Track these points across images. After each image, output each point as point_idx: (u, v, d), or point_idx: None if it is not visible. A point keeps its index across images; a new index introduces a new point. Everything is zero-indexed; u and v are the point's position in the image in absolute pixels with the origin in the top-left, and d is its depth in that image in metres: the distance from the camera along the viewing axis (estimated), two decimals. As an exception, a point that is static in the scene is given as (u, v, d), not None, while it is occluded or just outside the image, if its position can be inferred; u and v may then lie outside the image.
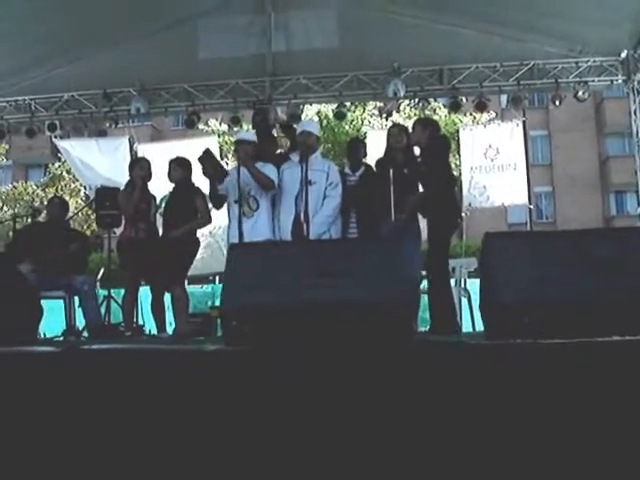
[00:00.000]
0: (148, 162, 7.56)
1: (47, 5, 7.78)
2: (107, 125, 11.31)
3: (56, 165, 25.54)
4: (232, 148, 15.57)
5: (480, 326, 4.43)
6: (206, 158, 6.71)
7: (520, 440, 2.64)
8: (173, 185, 7.17)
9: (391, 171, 6.15)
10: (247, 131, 8.68)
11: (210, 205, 7.15)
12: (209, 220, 7.17)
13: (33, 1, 7.71)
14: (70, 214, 9.07)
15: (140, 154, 11.83)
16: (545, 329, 3.01)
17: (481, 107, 10.24)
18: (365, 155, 7.21)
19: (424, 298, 6.22)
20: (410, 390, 2.75)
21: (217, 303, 10.66)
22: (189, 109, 10.43)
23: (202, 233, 7.92)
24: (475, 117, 18.78)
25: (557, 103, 9.77)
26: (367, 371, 2.77)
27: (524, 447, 2.63)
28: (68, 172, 22.92)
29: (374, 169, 6.75)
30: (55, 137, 11.56)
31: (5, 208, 24.00)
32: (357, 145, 7.44)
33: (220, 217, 7.46)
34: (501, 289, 3.22)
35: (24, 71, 9.58)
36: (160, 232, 7.35)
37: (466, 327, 8.10)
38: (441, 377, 2.76)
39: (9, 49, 8.64)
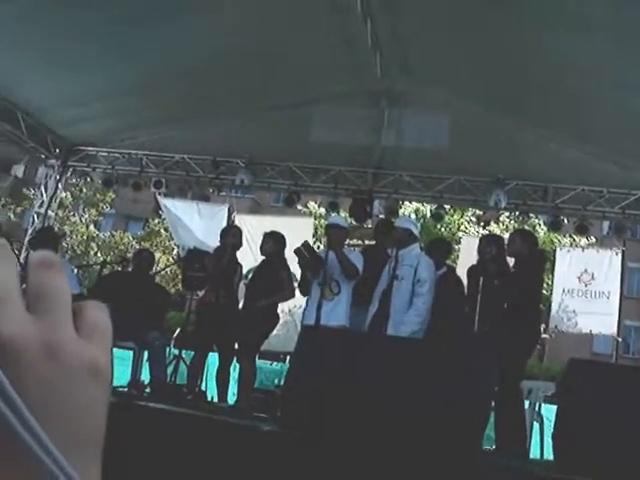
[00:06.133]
0: (240, 230, 7.69)
1: (165, 75, 8.21)
2: (210, 191, 11.61)
3: (155, 221, 26.38)
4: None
5: (549, 454, 4.18)
6: (303, 250, 6.79)
7: None
8: (263, 257, 7.26)
9: (481, 280, 6.03)
10: (342, 217, 8.77)
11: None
12: (293, 294, 7.21)
13: (152, 70, 8.14)
14: (158, 269, 9.25)
15: (237, 223, 12.07)
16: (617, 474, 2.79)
17: (582, 230, 9.99)
18: (448, 256, 7.16)
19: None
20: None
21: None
22: (291, 188, 10.61)
23: (282, 310, 7.95)
24: (574, 239, 18.41)
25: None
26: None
27: None
28: (165, 230, 23.62)
29: (455, 271, 6.68)
30: (159, 194, 11.96)
31: (99, 254, 24.81)
32: (440, 245, 7.42)
33: (301, 297, 7.48)
34: (580, 424, 3.03)
35: (140, 128, 10.03)
36: (241, 301, 7.40)
37: (533, 453, 7.70)
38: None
39: (129, 106, 9.08)
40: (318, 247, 15.87)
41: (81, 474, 0.40)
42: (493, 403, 6.06)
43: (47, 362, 0.41)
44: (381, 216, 12.47)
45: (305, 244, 6.89)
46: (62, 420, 0.41)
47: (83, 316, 0.45)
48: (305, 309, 6.79)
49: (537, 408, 8.15)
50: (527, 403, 7.90)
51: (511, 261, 6.28)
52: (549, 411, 7.44)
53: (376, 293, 6.49)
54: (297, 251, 6.77)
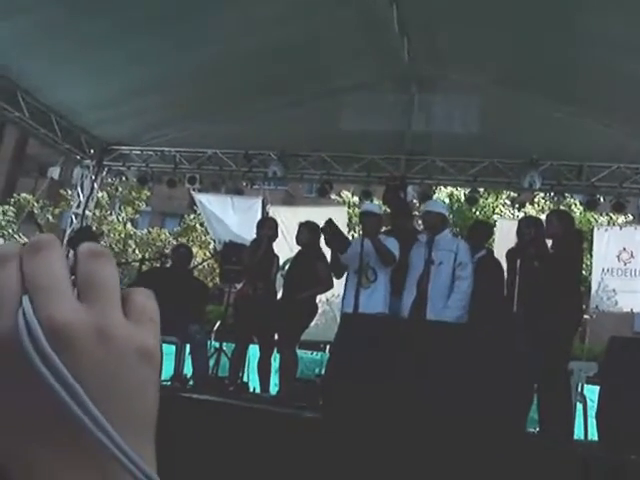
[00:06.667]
0: (276, 222, 7.72)
1: (193, 71, 8.26)
2: (244, 184, 11.65)
3: (191, 217, 26.55)
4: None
5: (593, 435, 4.15)
6: (328, 228, 6.79)
7: None
8: (299, 248, 7.27)
9: (518, 262, 5.98)
10: (376, 204, 8.76)
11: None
12: (331, 285, 7.23)
13: (179, 67, 8.20)
14: (196, 264, 9.31)
15: (271, 215, 12.11)
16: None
17: (619, 208, 9.85)
18: (488, 239, 7.09)
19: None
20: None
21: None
22: (323, 177, 10.61)
23: (320, 299, 7.98)
24: (612, 218, 18.16)
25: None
26: (464, 464, 2.64)
27: None
28: (201, 225, 23.75)
29: (493, 254, 6.64)
30: (194, 190, 12.05)
31: (137, 251, 25.04)
32: (482, 228, 7.35)
33: (339, 286, 7.49)
34: (623, 401, 3.01)
35: (171, 125, 10.11)
36: (279, 293, 7.43)
37: (577, 434, 7.64)
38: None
39: (158, 104, 9.16)
40: (353, 236, 15.84)
41: (138, 455, 0.41)
42: (536, 385, 6.04)
43: (99, 346, 0.43)
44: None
45: (328, 221, 6.88)
46: (117, 402, 0.43)
47: (131, 301, 0.46)
48: (343, 298, 6.80)
49: (580, 389, 8.08)
50: (569, 384, 7.82)
51: (549, 242, 6.23)
52: (591, 392, 7.36)
53: (411, 279, 6.46)
54: (322, 229, 6.80)
